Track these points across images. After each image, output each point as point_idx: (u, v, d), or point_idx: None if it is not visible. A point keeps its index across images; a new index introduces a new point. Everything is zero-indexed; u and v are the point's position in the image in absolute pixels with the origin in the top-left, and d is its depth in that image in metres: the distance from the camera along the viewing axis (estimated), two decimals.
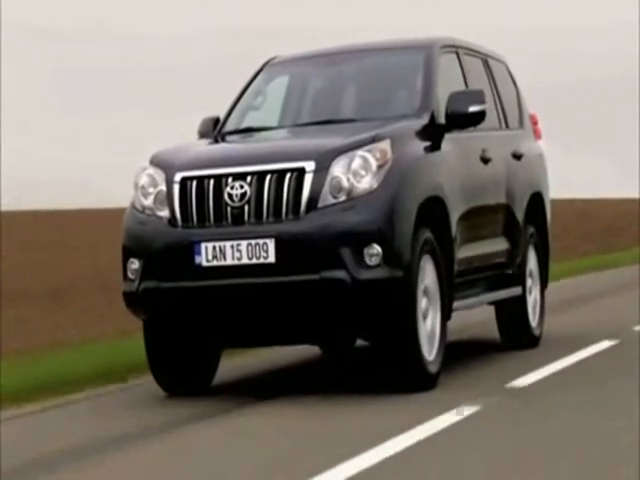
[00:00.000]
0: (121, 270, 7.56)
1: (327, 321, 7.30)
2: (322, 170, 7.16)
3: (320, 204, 7.12)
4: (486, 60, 9.48)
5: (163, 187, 7.42)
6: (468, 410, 6.54)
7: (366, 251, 7.05)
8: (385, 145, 7.29)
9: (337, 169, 7.17)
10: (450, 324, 7.86)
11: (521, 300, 9.36)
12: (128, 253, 7.50)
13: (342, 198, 7.14)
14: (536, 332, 9.62)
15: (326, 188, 7.14)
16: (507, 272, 9.12)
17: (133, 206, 7.58)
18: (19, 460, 6.12)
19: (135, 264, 7.43)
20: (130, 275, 7.47)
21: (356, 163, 7.19)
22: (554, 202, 10.37)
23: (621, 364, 8.27)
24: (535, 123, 10.37)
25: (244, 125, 8.58)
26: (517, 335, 9.50)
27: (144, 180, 7.53)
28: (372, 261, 7.06)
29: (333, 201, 7.13)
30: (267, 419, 6.92)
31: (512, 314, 9.44)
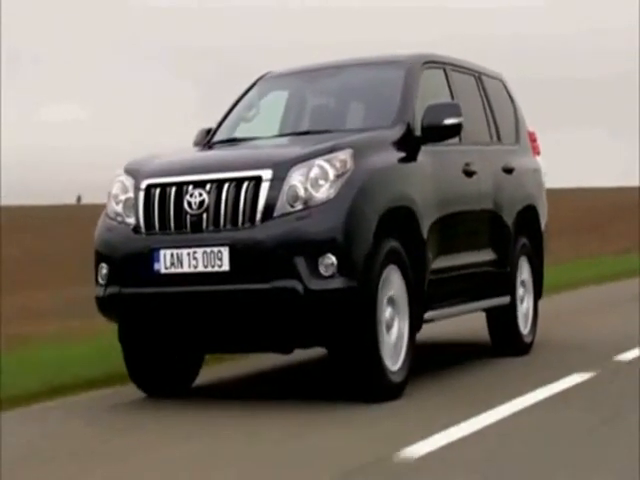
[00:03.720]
0: (94, 275, 6.34)
1: (282, 330, 5.96)
2: (279, 179, 5.81)
3: (276, 213, 5.77)
4: (479, 77, 8.04)
5: (132, 194, 6.18)
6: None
7: (320, 261, 5.69)
8: (345, 155, 5.91)
9: (295, 178, 5.82)
10: None
11: (511, 309, 7.92)
12: (99, 258, 6.26)
13: (299, 207, 5.78)
14: (527, 339, 8.15)
15: (283, 197, 5.79)
16: (494, 282, 7.69)
17: (106, 213, 6.36)
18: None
19: (104, 269, 6.19)
20: (100, 280, 6.22)
21: (314, 172, 5.83)
22: None
23: None
24: (534, 140, 8.90)
25: (233, 136, 7.27)
26: (507, 342, 8.05)
27: (116, 187, 6.29)
28: (326, 271, 5.69)
29: (289, 210, 5.77)
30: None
31: (502, 322, 8.01)
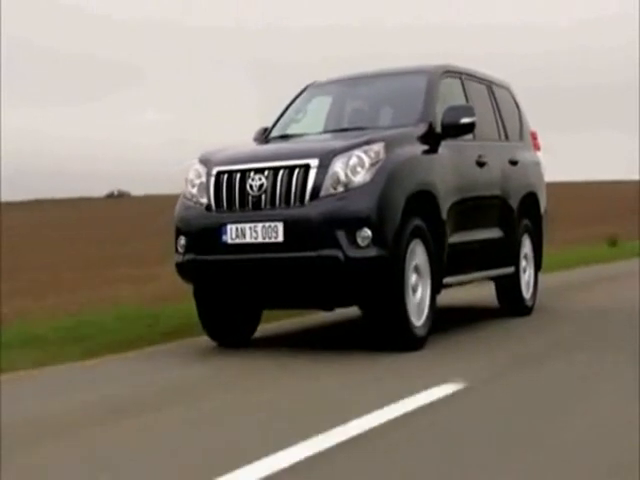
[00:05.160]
0: (174, 245, 6.48)
1: (325, 290, 6.07)
2: (324, 166, 5.92)
3: (322, 194, 5.88)
4: (490, 86, 8.10)
5: (204, 179, 6.32)
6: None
7: (358, 234, 5.79)
8: (378, 147, 6.01)
9: (337, 165, 5.93)
10: None
11: (515, 277, 8.02)
12: (178, 231, 6.41)
13: (340, 190, 5.89)
14: (529, 303, 8.28)
15: (327, 181, 5.89)
16: (501, 255, 7.76)
17: (183, 194, 6.50)
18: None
19: (182, 240, 6.34)
20: (179, 249, 6.37)
21: (353, 161, 5.93)
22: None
23: None
24: (535, 138, 8.94)
25: (285, 132, 7.39)
26: (512, 304, 8.17)
27: (192, 173, 6.43)
28: (363, 242, 5.80)
29: (332, 192, 5.88)
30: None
31: (508, 288, 8.13)
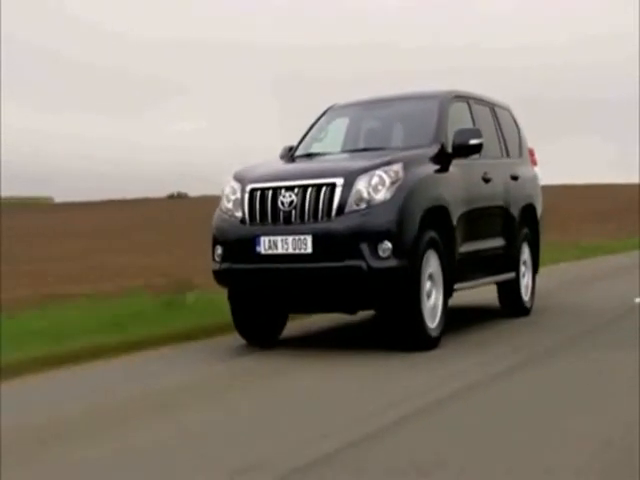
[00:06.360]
0: (211, 254, 6.70)
1: (349, 297, 6.29)
2: (349, 185, 6.15)
3: (346, 210, 6.10)
4: (493, 108, 8.33)
5: (239, 195, 6.54)
6: None
7: (379, 246, 6.01)
8: (397, 167, 6.24)
9: (360, 184, 6.16)
10: None
11: (516, 282, 8.24)
12: (215, 241, 6.63)
13: (363, 206, 6.12)
14: (527, 305, 8.49)
15: (351, 198, 6.12)
16: (503, 261, 7.99)
17: (220, 208, 6.72)
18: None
19: (219, 250, 6.56)
20: (216, 258, 6.59)
21: (374, 180, 6.17)
22: None
23: None
24: (532, 154, 9.17)
25: (309, 151, 7.62)
26: (513, 306, 8.38)
27: (227, 189, 6.65)
28: (384, 254, 6.02)
29: (356, 208, 6.11)
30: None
31: (509, 291, 8.35)
